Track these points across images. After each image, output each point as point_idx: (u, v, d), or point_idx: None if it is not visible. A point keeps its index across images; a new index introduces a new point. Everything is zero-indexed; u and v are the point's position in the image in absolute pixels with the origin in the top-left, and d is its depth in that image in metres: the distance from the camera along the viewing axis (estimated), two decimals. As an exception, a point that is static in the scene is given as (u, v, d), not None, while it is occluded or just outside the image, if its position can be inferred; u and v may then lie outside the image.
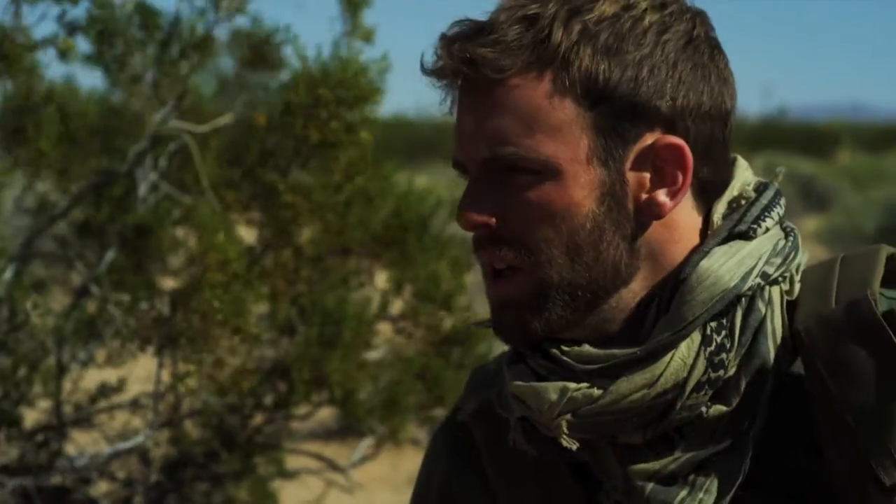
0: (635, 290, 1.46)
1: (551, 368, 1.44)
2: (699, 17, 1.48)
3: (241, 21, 4.80)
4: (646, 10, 1.44)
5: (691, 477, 1.42)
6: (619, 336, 1.46)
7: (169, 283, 4.69)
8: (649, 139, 1.44)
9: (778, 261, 1.46)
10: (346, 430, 6.59)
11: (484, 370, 1.63)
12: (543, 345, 1.45)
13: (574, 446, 1.42)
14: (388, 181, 4.47)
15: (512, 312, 1.45)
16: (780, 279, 1.46)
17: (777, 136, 32.95)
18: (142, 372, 4.84)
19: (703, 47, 1.47)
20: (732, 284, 1.42)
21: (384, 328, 4.74)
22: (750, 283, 1.43)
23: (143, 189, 4.67)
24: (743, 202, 1.50)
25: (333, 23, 4.65)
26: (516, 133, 1.41)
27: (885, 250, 1.46)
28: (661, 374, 1.40)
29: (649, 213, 1.45)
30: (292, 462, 5.72)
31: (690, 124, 1.44)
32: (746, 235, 1.46)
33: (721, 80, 1.48)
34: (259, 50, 4.95)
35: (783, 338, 1.44)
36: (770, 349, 1.43)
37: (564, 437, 1.42)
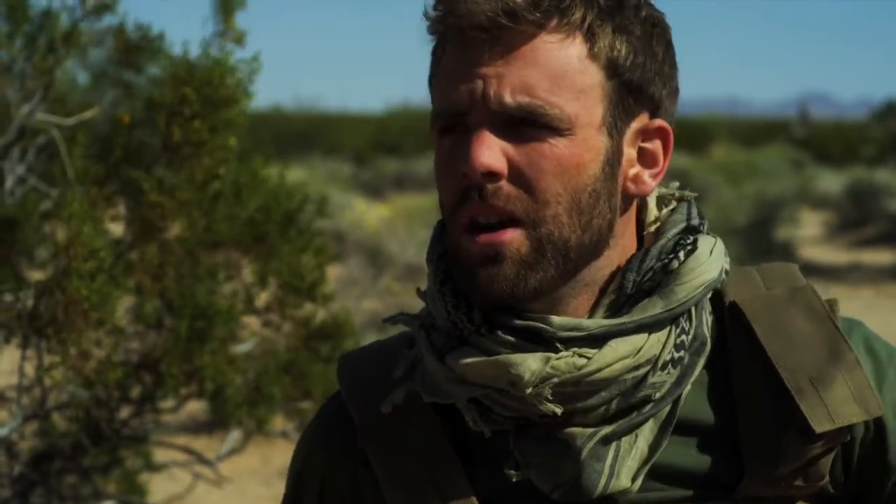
0: (603, 264, 1.53)
1: (513, 343, 1.46)
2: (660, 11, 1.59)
3: (110, 19, 4.79)
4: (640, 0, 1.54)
5: (624, 438, 1.49)
6: (571, 309, 1.50)
7: (35, 276, 4.67)
8: (644, 120, 1.53)
9: (728, 259, 1.57)
10: (216, 423, 6.58)
11: (366, 358, 1.64)
12: (501, 317, 1.46)
13: (559, 411, 1.45)
14: (256, 177, 4.49)
15: (511, 266, 1.46)
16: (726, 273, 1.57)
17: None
18: (6, 365, 4.80)
19: (671, 39, 1.57)
20: (714, 276, 1.53)
21: (251, 321, 4.76)
22: (721, 276, 1.54)
23: (9, 182, 4.65)
24: (672, 199, 1.60)
25: (206, 23, 4.66)
26: (543, 87, 1.45)
27: (796, 266, 1.62)
28: (642, 347, 1.47)
29: (633, 190, 1.53)
30: (161, 455, 5.70)
31: (670, 111, 1.56)
32: (698, 230, 1.55)
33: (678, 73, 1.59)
34: (128, 47, 4.95)
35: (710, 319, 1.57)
36: (707, 330, 1.54)
37: (547, 403, 1.45)
